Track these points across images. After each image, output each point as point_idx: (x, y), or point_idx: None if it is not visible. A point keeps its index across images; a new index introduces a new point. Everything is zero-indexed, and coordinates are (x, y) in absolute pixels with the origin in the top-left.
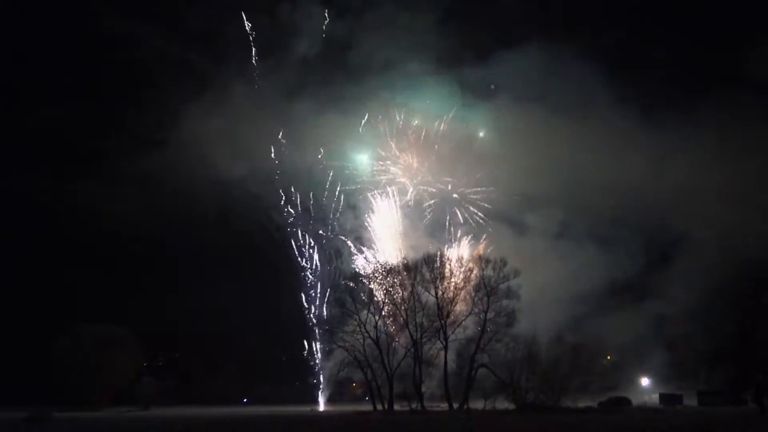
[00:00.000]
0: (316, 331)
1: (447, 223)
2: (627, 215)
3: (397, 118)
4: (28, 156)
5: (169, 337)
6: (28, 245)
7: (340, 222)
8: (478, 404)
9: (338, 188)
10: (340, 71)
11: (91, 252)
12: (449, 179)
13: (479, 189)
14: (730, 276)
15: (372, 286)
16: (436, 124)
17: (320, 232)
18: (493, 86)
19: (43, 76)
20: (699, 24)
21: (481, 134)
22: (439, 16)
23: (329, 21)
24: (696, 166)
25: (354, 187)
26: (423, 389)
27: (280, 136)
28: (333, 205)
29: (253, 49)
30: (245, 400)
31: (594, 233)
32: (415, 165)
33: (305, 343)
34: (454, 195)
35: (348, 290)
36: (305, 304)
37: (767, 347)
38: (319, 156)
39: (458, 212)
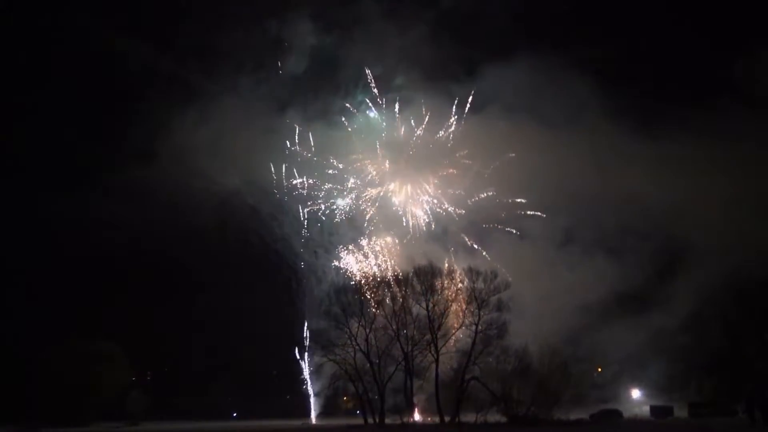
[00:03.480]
0: (307, 344)
1: (442, 234)
2: (621, 227)
3: (388, 131)
4: (17, 167)
5: (158, 351)
6: (14, 258)
7: (332, 234)
8: (469, 417)
9: (331, 200)
10: (329, 85)
11: (78, 266)
12: (442, 190)
13: (475, 198)
14: (722, 288)
15: (363, 298)
16: (427, 135)
17: (314, 245)
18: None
19: (36, 89)
20: (691, 36)
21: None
22: (429, 29)
23: (318, 35)
24: (694, 179)
25: (348, 200)
26: (414, 402)
27: (273, 149)
28: (326, 217)
29: (244, 63)
30: (234, 414)
31: (583, 244)
32: (408, 175)
33: (296, 356)
34: (449, 208)
35: (339, 303)
36: (296, 316)
37: (758, 359)
38: (312, 168)
39: (453, 221)
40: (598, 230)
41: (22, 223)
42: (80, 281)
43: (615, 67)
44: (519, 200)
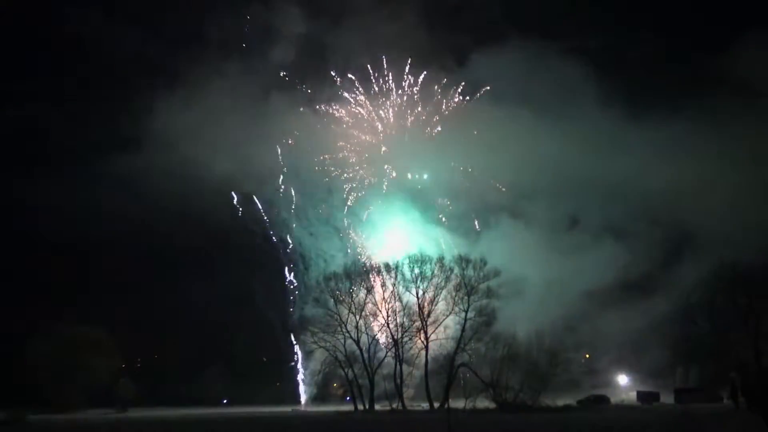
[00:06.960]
0: (298, 331)
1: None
2: (622, 215)
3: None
4: (4, 155)
5: (148, 338)
6: (2, 246)
7: (325, 219)
8: (458, 403)
9: (324, 186)
10: (318, 72)
11: (67, 252)
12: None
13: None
14: (707, 275)
15: (353, 285)
16: (421, 121)
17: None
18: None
19: (25, 76)
20: (682, 25)
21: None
22: (419, 17)
23: (306, 23)
24: (690, 166)
25: (342, 186)
26: (404, 389)
27: (263, 137)
28: (319, 203)
29: (232, 51)
30: (224, 401)
31: (584, 231)
32: (405, 162)
33: (286, 342)
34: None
35: (329, 290)
36: (286, 303)
37: (742, 346)
38: (304, 154)
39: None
40: (598, 217)
41: (10, 211)
42: (70, 268)
43: (606, 55)
44: (518, 186)
